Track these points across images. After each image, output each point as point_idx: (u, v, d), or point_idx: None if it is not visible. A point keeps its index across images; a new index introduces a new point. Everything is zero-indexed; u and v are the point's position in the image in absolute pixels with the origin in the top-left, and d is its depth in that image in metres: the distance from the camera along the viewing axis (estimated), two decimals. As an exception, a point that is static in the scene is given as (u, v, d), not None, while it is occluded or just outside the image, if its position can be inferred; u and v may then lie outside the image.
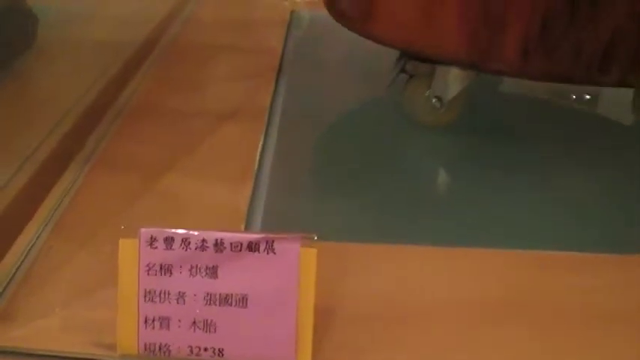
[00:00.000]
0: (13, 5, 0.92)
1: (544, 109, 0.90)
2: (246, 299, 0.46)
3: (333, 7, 0.82)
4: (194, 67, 0.97)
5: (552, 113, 0.89)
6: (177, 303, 0.46)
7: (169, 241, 0.45)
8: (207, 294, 0.46)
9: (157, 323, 0.46)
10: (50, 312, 0.51)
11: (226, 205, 0.65)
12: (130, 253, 0.46)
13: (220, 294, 0.46)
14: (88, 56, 0.94)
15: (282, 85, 0.93)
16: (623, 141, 0.85)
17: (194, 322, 0.46)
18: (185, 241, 0.45)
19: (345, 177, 0.74)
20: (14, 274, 0.55)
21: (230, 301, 0.46)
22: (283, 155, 0.75)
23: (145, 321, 0.46)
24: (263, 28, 1.18)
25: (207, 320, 0.46)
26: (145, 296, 0.46)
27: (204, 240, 0.45)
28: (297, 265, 0.45)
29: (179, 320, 0.46)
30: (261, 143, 0.76)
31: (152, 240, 0.45)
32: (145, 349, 0.46)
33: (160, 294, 0.46)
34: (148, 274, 0.46)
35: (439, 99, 0.79)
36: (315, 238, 0.45)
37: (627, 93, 0.79)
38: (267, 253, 0.45)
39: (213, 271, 0.46)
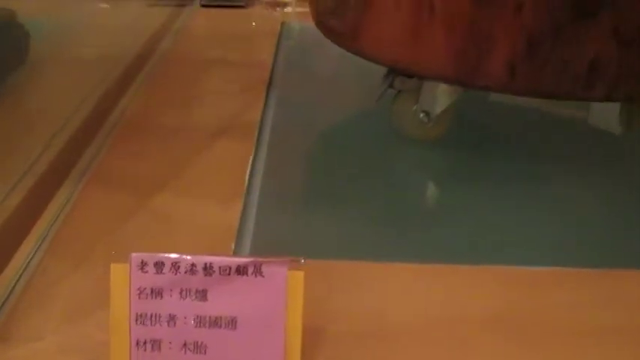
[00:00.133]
0: (5, 21, 0.93)
1: (534, 119, 0.91)
2: (236, 321, 0.47)
3: (321, 23, 0.83)
4: (185, 81, 0.98)
5: (542, 123, 0.90)
6: (168, 325, 0.47)
7: (159, 265, 0.46)
8: (197, 316, 0.47)
9: (148, 345, 0.47)
10: (46, 333, 0.52)
11: (217, 223, 0.66)
12: (121, 277, 0.47)
13: (210, 316, 0.47)
14: (81, 71, 0.95)
15: (272, 99, 0.94)
16: (613, 151, 0.86)
17: (185, 344, 0.47)
18: (175, 265, 0.46)
19: (335, 193, 0.75)
20: (10, 293, 0.56)
21: (220, 323, 0.47)
22: (273, 172, 0.76)
23: (137, 343, 0.47)
24: (254, 39, 1.19)
25: (197, 342, 0.47)
26: (137, 319, 0.47)
27: (193, 264, 0.46)
28: (285, 288, 0.46)
29: (170, 342, 0.47)
30: (251, 160, 0.77)
31: (143, 264, 0.46)
32: (137, 371, 0.47)
33: (151, 317, 0.47)
34: (139, 297, 0.47)
35: (427, 114, 0.80)
36: (303, 261, 0.46)
37: (616, 104, 0.80)
38: (256, 277, 0.46)
39: (202, 295, 0.47)
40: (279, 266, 0.46)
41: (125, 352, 0.47)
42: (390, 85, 0.82)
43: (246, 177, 0.74)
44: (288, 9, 1.32)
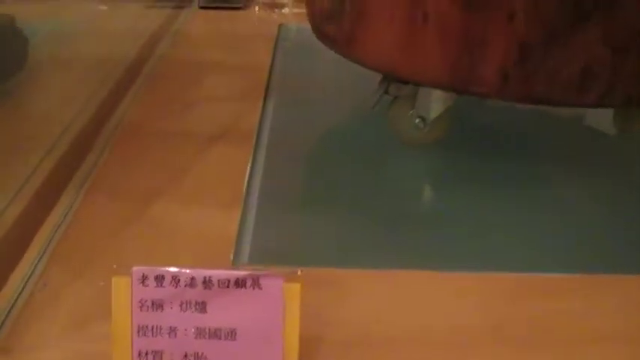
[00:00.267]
0: (3, 27, 0.93)
1: (531, 120, 0.91)
2: (235, 332, 0.48)
3: (318, 29, 0.84)
4: (184, 85, 0.99)
5: (540, 124, 0.91)
6: (169, 337, 0.48)
7: (160, 279, 0.48)
8: (197, 328, 0.48)
9: (150, 356, 0.48)
10: (49, 343, 0.53)
11: (216, 231, 0.67)
12: (123, 290, 0.48)
13: (210, 328, 0.48)
14: (80, 76, 0.96)
15: (270, 103, 0.95)
16: (612, 152, 0.87)
17: (185, 355, 0.48)
18: (175, 278, 0.48)
19: (333, 199, 0.76)
20: (13, 305, 0.57)
21: (219, 334, 0.48)
22: (271, 178, 0.77)
23: (139, 355, 0.48)
24: (252, 42, 1.20)
25: (197, 353, 0.48)
26: (139, 331, 0.48)
27: (193, 278, 0.48)
28: (282, 300, 0.47)
29: (171, 353, 0.48)
30: (249, 166, 0.78)
31: (144, 278, 0.48)
32: (140, 382, 0.48)
33: (152, 329, 0.48)
34: (141, 310, 0.48)
35: (423, 119, 0.81)
36: (299, 272, 0.47)
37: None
38: (254, 289, 0.48)
39: (202, 307, 0.48)
40: (276, 279, 0.47)
41: (127, 364, 0.48)
42: (386, 91, 0.83)
43: (245, 184, 0.74)
44: (286, 10, 1.33)
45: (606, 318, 0.59)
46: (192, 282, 0.48)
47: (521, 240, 0.70)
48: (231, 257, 0.64)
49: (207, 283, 0.48)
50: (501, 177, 0.80)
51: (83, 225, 0.68)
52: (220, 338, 0.48)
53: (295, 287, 0.47)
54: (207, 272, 0.48)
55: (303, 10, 0.91)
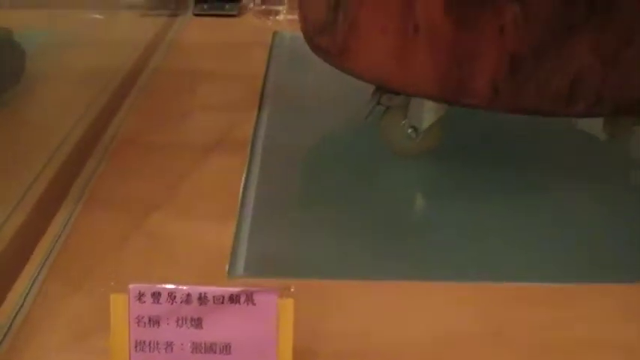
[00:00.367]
0: (1, 41, 0.94)
1: (525, 126, 0.92)
2: (230, 347, 0.49)
3: (311, 41, 0.86)
4: (179, 95, 1.00)
5: (533, 130, 0.91)
6: (166, 352, 0.49)
7: (156, 295, 0.49)
8: (194, 343, 0.49)
9: (147, 371, 0.49)
10: (48, 358, 0.55)
11: (211, 243, 0.68)
12: (120, 306, 0.49)
13: (205, 343, 0.49)
14: (76, 88, 0.97)
15: (264, 112, 0.96)
16: (605, 157, 0.87)
17: (182, 370, 0.49)
18: (171, 295, 0.49)
19: (327, 210, 0.76)
20: (13, 319, 0.58)
21: (215, 349, 0.49)
22: (266, 189, 0.78)
23: (136, 369, 0.49)
24: (246, 50, 1.20)
25: (193, 367, 0.49)
26: (136, 346, 0.49)
27: (189, 294, 0.49)
28: (276, 315, 0.49)
29: (168, 368, 0.49)
30: (244, 177, 0.79)
31: (140, 295, 0.49)
32: (138, 396, 0.50)
33: (149, 344, 0.49)
34: (138, 325, 0.49)
35: (415, 129, 0.82)
36: (292, 289, 0.49)
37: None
38: (248, 305, 0.49)
39: (198, 322, 0.49)
40: (270, 294, 0.49)
41: (125, 378, 0.49)
42: (378, 102, 0.84)
43: (240, 194, 0.76)
44: (280, 17, 1.34)
45: (603, 326, 0.60)
46: (187, 298, 0.49)
47: (517, 248, 0.71)
48: (227, 268, 0.65)
49: (202, 299, 0.49)
50: (495, 185, 0.81)
51: (82, 237, 0.69)
52: (216, 352, 0.49)
53: (288, 303, 0.49)
54: (203, 289, 0.49)
55: (297, 17, 0.91)
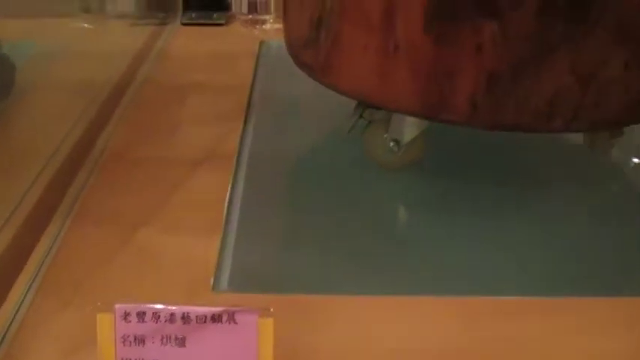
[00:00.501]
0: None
1: (507, 136, 0.91)
2: (212, 364, 0.51)
3: (295, 56, 0.87)
4: (166, 108, 1.01)
5: (517, 142, 0.92)
6: (151, 369, 0.51)
7: (141, 315, 0.51)
8: (177, 361, 0.51)
9: (133, 388, 0.51)
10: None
11: (197, 258, 0.70)
12: (107, 325, 0.51)
13: (189, 360, 0.51)
14: (66, 102, 0.98)
15: (250, 125, 0.98)
16: (589, 169, 0.89)
17: (166, 387, 0.51)
18: (155, 314, 0.51)
19: (311, 224, 0.78)
20: (4, 335, 0.60)
21: (198, 366, 0.51)
22: (251, 203, 0.80)
23: (123, 386, 0.51)
24: (233, 60, 1.22)
25: (177, 384, 0.51)
26: (122, 364, 0.51)
27: (172, 314, 0.51)
28: (256, 334, 0.51)
29: (153, 385, 0.51)
30: (228, 192, 0.81)
31: (126, 314, 0.51)
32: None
33: (135, 362, 0.51)
34: (124, 344, 0.51)
35: (396, 143, 0.84)
36: (272, 309, 0.51)
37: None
38: (229, 324, 0.51)
39: (181, 341, 0.51)
40: (250, 314, 0.51)
41: (112, 395, 0.51)
42: (361, 116, 0.86)
43: (225, 209, 0.77)
44: (267, 26, 1.36)
45: (587, 338, 0.61)
46: (171, 318, 0.51)
47: (501, 261, 0.72)
48: (212, 283, 0.67)
49: (185, 318, 0.51)
50: (478, 197, 0.83)
51: (72, 251, 0.70)
52: (199, 370, 0.51)
53: (268, 322, 0.51)
54: (186, 309, 0.51)
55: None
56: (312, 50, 0.83)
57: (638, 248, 0.77)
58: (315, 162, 0.92)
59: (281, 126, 0.99)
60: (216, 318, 0.51)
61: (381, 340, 0.61)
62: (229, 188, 0.81)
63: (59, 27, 1.24)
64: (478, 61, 0.73)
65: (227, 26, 1.36)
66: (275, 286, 0.68)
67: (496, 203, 0.83)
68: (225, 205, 0.78)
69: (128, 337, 0.51)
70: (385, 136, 0.85)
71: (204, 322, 0.51)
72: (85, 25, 1.31)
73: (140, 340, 0.51)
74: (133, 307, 0.51)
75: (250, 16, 1.36)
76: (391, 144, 0.84)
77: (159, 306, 0.51)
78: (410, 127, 0.83)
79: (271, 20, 1.36)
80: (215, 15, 1.37)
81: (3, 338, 0.60)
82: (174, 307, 0.51)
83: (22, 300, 0.64)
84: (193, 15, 1.36)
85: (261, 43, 1.27)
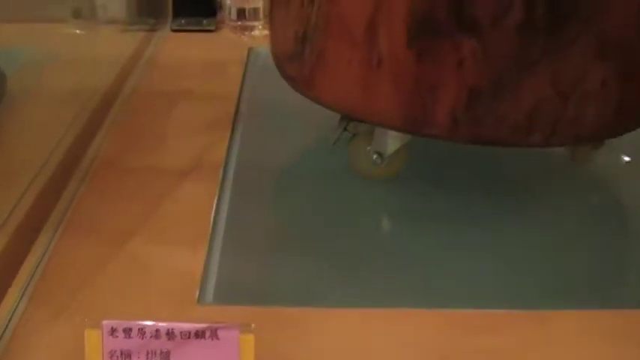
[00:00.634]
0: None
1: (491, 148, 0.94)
2: (196, 378, 0.53)
3: (280, 68, 0.89)
4: (156, 117, 1.03)
5: (500, 152, 0.90)
6: (137, 383, 0.53)
7: (128, 331, 0.53)
8: (162, 375, 0.53)
9: (119, 401, 0.53)
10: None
11: (183, 270, 0.72)
12: (94, 341, 0.53)
13: (173, 375, 0.53)
14: (56, 111, 0.99)
15: (237, 134, 0.99)
16: (570, 183, 0.91)
17: (151, 400, 0.53)
18: (141, 330, 0.53)
19: (297, 235, 0.80)
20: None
21: (182, 380, 0.53)
22: (236, 214, 0.81)
23: (110, 400, 0.53)
24: (222, 67, 1.23)
25: (162, 398, 0.53)
26: (109, 378, 0.53)
27: (157, 330, 0.53)
28: (238, 350, 0.53)
29: (138, 399, 0.53)
30: (215, 203, 0.82)
31: (113, 330, 0.53)
32: None
33: (121, 376, 0.53)
34: (111, 359, 0.53)
35: (380, 155, 0.86)
36: (253, 326, 0.53)
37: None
38: (212, 340, 0.53)
39: (166, 356, 0.53)
40: (232, 330, 0.53)
41: (99, 408, 0.53)
42: (345, 129, 0.88)
43: (211, 221, 0.79)
44: (256, 32, 1.37)
45: (556, 352, 0.63)
46: (157, 334, 0.53)
47: (484, 274, 0.74)
48: (197, 295, 0.69)
49: (170, 334, 0.53)
50: (462, 209, 0.84)
51: (61, 263, 0.72)
52: (183, 384, 0.53)
53: (249, 338, 0.53)
54: (170, 325, 0.53)
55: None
56: (297, 64, 0.85)
57: (618, 260, 0.79)
58: (301, 172, 0.93)
59: (268, 135, 1.00)
60: (199, 334, 0.53)
61: (364, 353, 0.63)
62: (216, 199, 0.83)
63: (50, 33, 1.25)
64: (459, 76, 0.75)
65: (216, 32, 1.37)
66: (260, 299, 0.70)
67: (481, 213, 0.84)
68: (212, 215, 0.80)
69: (115, 352, 0.53)
70: (369, 148, 0.86)
71: (188, 337, 0.53)
72: (77, 30, 1.32)
73: (127, 355, 0.53)
74: (119, 324, 0.53)
75: (239, 23, 1.37)
76: (374, 156, 0.86)
77: (144, 322, 0.53)
78: (393, 140, 0.85)
79: (260, 27, 1.37)
80: (205, 21, 1.38)
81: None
82: (159, 324, 0.53)
83: (14, 310, 0.66)
84: (183, 21, 1.37)
85: (250, 50, 1.28)
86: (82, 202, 0.82)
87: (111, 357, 0.53)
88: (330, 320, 0.67)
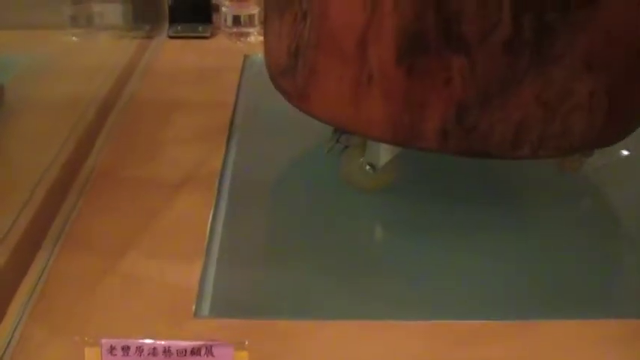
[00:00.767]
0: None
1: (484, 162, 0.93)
2: (192, 394, 0.55)
3: (274, 81, 0.91)
4: (152, 127, 1.04)
5: (493, 166, 0.94)
6: (135, 399, 0.55)
7: (126, 349, 0.55)
8: (160, 391, 0.55)
9: (118, 417, 0.55)
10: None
11: (179, 284, 0.73)
12: (94, 358, 0.55)
13: (170, 391, 0.55)
14: (54, 120, 1.01)
15: (233, 144, 1.01)
16: (559, 193, 0.92)
17: (149, 415, 0.55)
18: (139, 348, 0.55)
19: (293, 248, 0.81)
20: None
21: (178, 396, 0.55)
22: (232, 227, 0.83)
23: (109, 416, 0.55)
24: (217, 75, 1.24)
25: (159, 413, 0.55)
26: (108, 394, 0.55)
27: (154, 348, 0.55)
28: (233, 367, 0.55)
29: (136, 414, 0.55)
30: (211, 214, 0.84)
31: (112, 348, 0.55)
32: None
33: (120, 393, 0.55)
34: (110, 376, 0.55)
35: (372, 166, 0.88)
36: (246, 343, 0.55)
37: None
38: (207, 357, 0.55)
39: (163, 373, 0.55)
40: (227, 348, 0.55)
41: None
42: (337, 140, 0.90)
43: (207, 233, 0.81)
44: (251, 38, 1.39)
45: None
46: (154, 351, 0.55)
47: (474, 286, 0.75)
48: (193, 308, 0.71)
49: (167, 352, 0.55)
50: (454, 220, 0.86)
51: (60, 280, 0.74)
52: (179, 399, 0.55)
53: (243, 355, 0.55)
54: (167, 343, 0.55)
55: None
56: (290, 77, 0.87)
57: (604, 271, 0.80)
58: (297, 183, 0.94)
59: (263, 145, 1.02)
60: (195, 351, 0.55)
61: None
62: (212, 210, 0.84)
63: (46, 40, 1.26)
64: (448, 92, 0.77)
65: (212, 39, 1.38)
66: (256, 311, 0.72)
67: (473, 224, 0.86)
68: (208, 228, 0.81)
69: (114, 369, 0.55)
70: (361, 160, 0.88)
71: (185, 355, 0.55)
72: (73, 38, 1.34)
73: (125, 373, 0.55)
74: (118, 342, 0.55)
75: (235, 29, 1.39)
76: (367, 167, 0.88)
77: (142, 340, 0.55)
78: (385, 151, 0.87)
79: (255, 33, 1.38)
80: (200, 28, 1.39)
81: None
82: (156, 342, 0.55)
83: (15, 328, 0.67)
84: (179, 28, 1.39)
85: (245, 57, 1.30)
86: (81, 216, 0.83)
87: (110, 374, 0.55)
88: (325, 332, 0.68)
